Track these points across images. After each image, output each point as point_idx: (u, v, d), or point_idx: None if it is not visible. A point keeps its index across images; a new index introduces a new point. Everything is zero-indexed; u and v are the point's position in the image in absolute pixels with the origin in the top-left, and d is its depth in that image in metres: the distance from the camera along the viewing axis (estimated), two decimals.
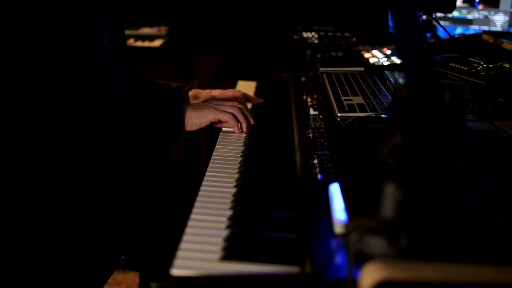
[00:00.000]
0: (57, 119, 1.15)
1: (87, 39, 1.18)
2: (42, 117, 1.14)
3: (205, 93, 1.52)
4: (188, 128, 1.26)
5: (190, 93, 1.53)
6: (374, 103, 1.31)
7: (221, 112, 1.28)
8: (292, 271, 0.73)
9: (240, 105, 1.34)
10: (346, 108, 1.26)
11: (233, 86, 1.96)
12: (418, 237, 0.63)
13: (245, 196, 0.98)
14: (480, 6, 1.96)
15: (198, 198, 0.98)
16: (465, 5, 2.06)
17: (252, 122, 1.36)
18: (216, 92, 1.51)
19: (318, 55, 1.99)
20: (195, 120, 1.26)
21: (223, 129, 1.37)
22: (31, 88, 1.13)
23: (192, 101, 1.51)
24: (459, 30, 2.05)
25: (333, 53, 2.00)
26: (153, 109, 1.25)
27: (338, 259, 0.70)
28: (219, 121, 1.31)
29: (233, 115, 1.30)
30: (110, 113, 1.20)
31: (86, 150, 1.20)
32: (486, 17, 1.91)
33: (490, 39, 1.71)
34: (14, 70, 1.12)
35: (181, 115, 1.24)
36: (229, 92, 1.52)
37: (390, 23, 0.71)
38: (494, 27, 1.89)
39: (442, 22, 2.02)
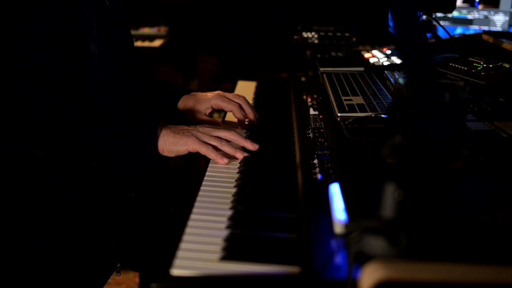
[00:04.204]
0: (38, 125, 1.10)
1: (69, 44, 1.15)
2: (23, 122, 1.10)
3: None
4: (166, 154, 1.14)
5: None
6: (374, 103, 1.31)
7: (202, 144, 1.13)
8: (292, 271, 0.73)
9: (222, 135, 1.17)
10: (346, 108, 1.26)
11: (233, 86, 1.96)
12: (418, 237, 0.63)
13: (245, 196, 0.98)
14: (480, 6, 1.97)
15: (198, 198, 0.98)
16: (465, 5, 2.06)
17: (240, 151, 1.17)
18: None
19: (318, 55, 1.99)
20: (171, 147, 1.13)
21: (226, 119, 1.34)
22: (8, 95, 1.09)
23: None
24: (459, 30, 2.05)
25: (333, 53, 2.00)
26: (123, 130, 1.14)
27: (338, 259, 0.70)
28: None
29: (213, 147, 1.15)
30: (84, 124, 1.13)
31: (77, 153, 1.15)
32: (486, 17, 1.91)
33: (490, 39, 1.71)
34: None
35: (153, 140, 1.12)
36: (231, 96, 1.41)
37: (390, 23, 0.71)
38: (494, 27, 1.89)
39: (442, 22, 2.02)
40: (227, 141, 1.17)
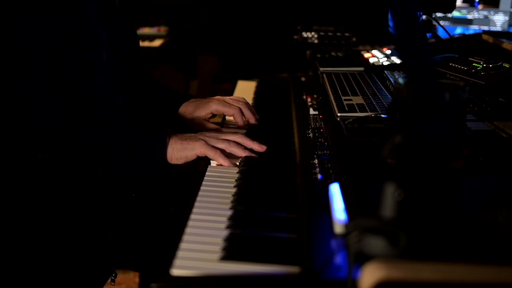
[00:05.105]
0: (39, 129, 1.10)
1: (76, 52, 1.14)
2: (24, 125, 1.10)
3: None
4: (174, 161, 1.15)
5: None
6: (374, 103, 1.31)
7: (210, 148, 1.14)
8: (292, 271, 0.73)
9: (230, 138, 1.18)
10: (346, 108, 1.26)
11: (233, 86, 1.96)
12: (418, 237, 0.63)
13: (245, 196, 0.98)
14: (480, 6, 1.96)
15: (198, 198, 0.98)
16: (465, 5, 2.06)
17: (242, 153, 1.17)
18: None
19: (318, 55, 1.99)
20: (179, 153, 1.14)
21: (226, 119, 1.34)
22: (9, 97, 1.09)
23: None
24: (459, 30, 2.05)
25: (333, 53, 2.00)
26: (129, 138, 1.15)
27: (338, 259, 0.70)
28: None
29: (221, 151, 1.15)
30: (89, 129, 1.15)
31: (79, 157, 1.15)
32: (486, 17, 1.91)
33: (490, 39, 1.71)
34: None
35: (163, 148, 1.13)
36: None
37: (390, 23, 0.71)
38: (494, 27, 1.89)
39: (442, 22, 2.02)
40: (235, 142, 1.18)
